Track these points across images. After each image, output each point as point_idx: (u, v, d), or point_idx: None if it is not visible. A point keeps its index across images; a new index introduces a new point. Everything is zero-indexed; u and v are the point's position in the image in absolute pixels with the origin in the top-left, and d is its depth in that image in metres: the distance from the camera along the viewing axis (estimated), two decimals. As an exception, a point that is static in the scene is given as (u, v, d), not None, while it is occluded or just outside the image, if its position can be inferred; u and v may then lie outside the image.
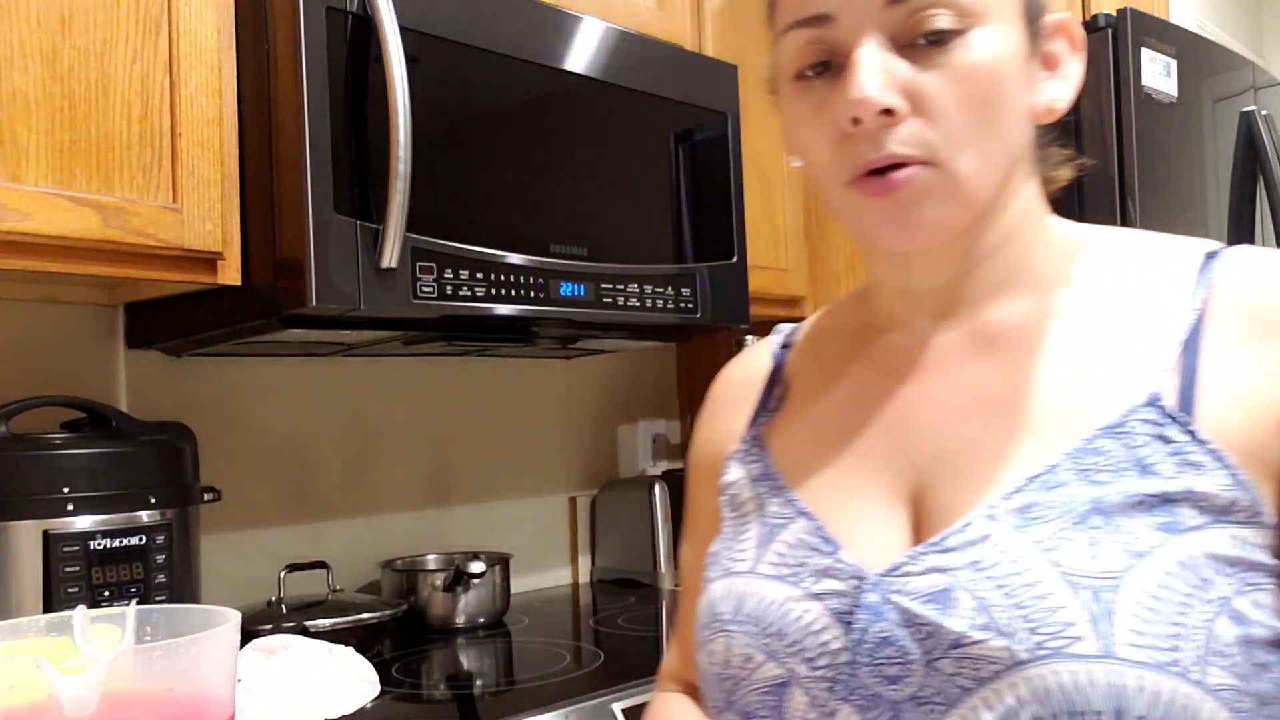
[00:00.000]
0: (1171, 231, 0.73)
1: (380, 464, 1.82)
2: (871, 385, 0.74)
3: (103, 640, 0.56)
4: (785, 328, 0.87)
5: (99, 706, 0.48)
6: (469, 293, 1.35)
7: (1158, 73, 1.81)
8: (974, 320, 0.72)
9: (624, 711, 1.27)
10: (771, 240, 1.98)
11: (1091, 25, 1.79)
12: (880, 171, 0.65)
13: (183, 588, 1.29)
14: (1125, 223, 1.75)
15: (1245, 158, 1.96)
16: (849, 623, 0.64)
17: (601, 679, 1.36)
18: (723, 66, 1.75)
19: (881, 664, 0.62)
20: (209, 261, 1.26)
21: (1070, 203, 1.07)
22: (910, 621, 0.61)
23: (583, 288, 1.48)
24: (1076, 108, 0.71)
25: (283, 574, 1.56)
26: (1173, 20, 2.10)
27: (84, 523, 1.21)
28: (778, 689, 0.66)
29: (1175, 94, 1.85)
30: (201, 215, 1.23)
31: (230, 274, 1.28)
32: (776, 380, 0.82)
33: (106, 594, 1.21)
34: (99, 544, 1.21)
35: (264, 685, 1.13)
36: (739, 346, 1.98)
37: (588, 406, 2.15)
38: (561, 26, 1.51)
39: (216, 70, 1.26)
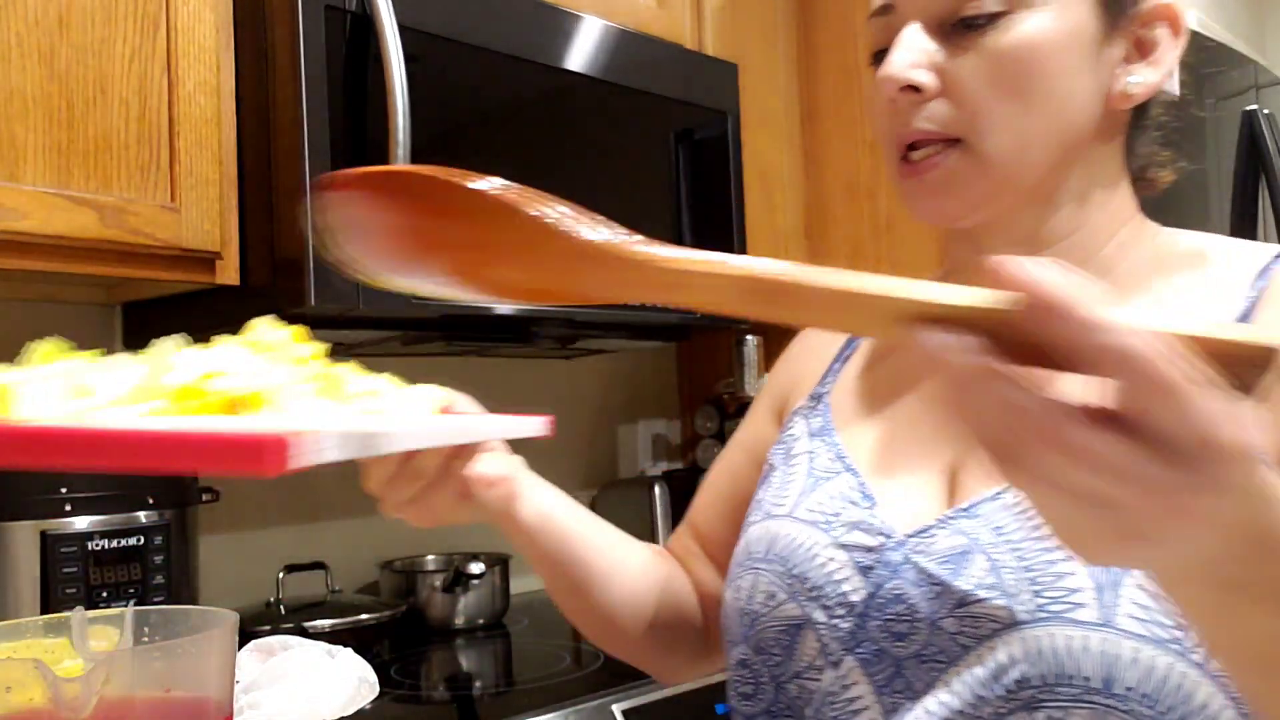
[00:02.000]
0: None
1: (379, 464, 1.82)
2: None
3: (100, 641, 0.56)
4: None
5: (96, 708, 0.47)
6: (468, 292, 1.34)
7: (1159, 72, 1.81)
8: None
9: (624, 713, 1.26)
10: (771, 240, 1.97)
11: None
12: (914, 156, 0.68)
13: (181, 589, 1.28)
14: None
15: (1247, 157, 1.95)
16: (868, 577, 0.66)
17: (601, 680, 1.35)
18: (723, 65, 1.75)
19: (890, 620, 0.63)
20: (207, 261, 1.26)
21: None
22: (924, 580, 0.63)
23: (583, 287, 1.47)
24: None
25: (281, 575, 1.55)
26: (1173, 19, 2.10)
27: (82, 523, 1.20)
28: (793, 629, 0.68)
29: (1176, 92, 1.85)
30: (200, 215, 1.23)
31: (229, 274, 1.27)
32: (850, 343, 0.85)
33: (104, 595, 1.20)
34: (97, 545, 1.20)
35: (262, 687, 1.12)
36: (739, 346, 1.97)
37: (588, 406, 2.14)
38: (561, 25, 1.50)
39: (215, 69, 1.26)
